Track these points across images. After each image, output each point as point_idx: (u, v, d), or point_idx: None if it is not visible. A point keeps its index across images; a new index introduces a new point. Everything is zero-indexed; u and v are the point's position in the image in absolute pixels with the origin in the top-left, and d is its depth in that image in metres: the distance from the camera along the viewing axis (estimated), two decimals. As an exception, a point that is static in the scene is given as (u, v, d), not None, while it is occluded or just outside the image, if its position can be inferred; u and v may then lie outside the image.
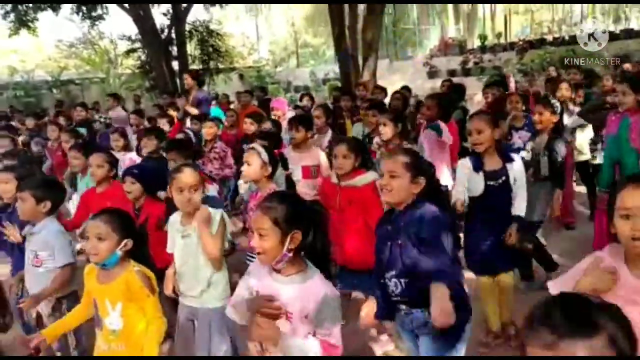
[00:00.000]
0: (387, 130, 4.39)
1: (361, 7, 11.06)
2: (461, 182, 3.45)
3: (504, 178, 3.36)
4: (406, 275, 2.27)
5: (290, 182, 4.22)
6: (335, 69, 19.57)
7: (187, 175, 2.82)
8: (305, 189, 4.33)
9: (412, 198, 2.33)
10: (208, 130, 6.17)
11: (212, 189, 4.05)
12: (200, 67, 18.15)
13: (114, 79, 21.85)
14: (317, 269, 1.97)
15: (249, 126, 5.90)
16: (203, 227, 2.78)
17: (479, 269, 3.54)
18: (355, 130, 5.92)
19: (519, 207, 3.41)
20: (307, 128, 4.67)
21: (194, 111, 7.71)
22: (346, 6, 10.25)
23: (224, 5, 17.22)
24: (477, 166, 3.38)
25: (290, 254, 1.90)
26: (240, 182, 4.52)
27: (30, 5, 15.41)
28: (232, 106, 9.86)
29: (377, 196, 3.29)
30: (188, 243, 2.86)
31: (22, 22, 15.69)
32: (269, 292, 1.96)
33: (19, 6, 15.28)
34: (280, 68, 23.51)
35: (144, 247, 3.54)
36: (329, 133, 5.72)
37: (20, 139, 7.89)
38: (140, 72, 17.32)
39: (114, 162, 4.06)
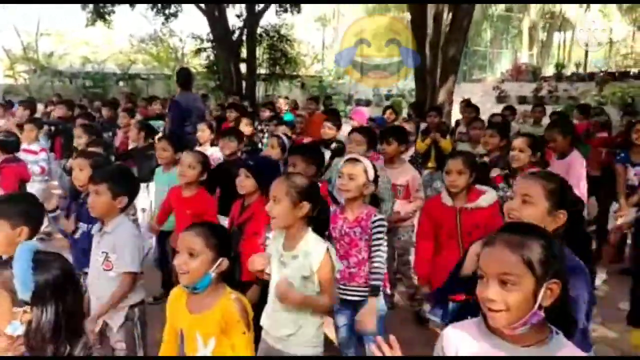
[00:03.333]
0: (522, 157, 3.72)
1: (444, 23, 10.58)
2: None
3: None
4: None
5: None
6: (399, 85, 19.16)
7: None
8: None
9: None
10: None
11: None
12: (267, 71, 18.10)
13: (179, 77, 22.17)
14: (565, 338, 1.36)
15: (328, 131, 5.30)
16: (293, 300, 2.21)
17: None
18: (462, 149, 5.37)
19: None
20: (399, 141, 4.21)
21: None
22: (430, 21, 9.79)
23: (295, 12, 17.06)
24: None
25: (542, 313, 1.30)
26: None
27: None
28: (299, 112, 9.60)
29: (502, 218, 2.81)
30: (286, 273, 2.27)
31: (100, 14, 16.04)
32: None
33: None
34: (343, 80, 23.27)
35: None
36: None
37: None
38: (207, 71, 17.39)
39: (206, 164, 3.69)
